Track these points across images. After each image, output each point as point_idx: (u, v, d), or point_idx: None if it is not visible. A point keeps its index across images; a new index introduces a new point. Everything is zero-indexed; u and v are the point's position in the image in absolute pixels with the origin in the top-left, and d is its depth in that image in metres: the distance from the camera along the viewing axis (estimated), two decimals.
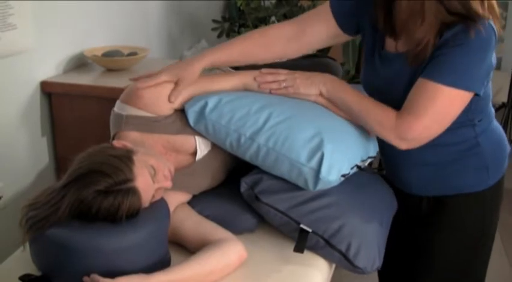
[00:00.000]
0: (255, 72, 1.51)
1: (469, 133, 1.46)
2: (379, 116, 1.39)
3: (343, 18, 1.52)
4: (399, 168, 1.58)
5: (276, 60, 1.59)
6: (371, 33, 1.50)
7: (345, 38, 1.58)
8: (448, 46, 1.31)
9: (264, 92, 1.49)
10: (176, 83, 1.43)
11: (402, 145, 1.38)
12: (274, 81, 1.48)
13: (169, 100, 1.41)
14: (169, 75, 1.43)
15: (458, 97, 1.34)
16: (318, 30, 1.54)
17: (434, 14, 1.30)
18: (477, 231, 1.55)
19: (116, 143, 1.32)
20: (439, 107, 1.33)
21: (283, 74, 1.49)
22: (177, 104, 1.43)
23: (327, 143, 1.35)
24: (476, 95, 1.35)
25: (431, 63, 1.34)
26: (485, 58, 1.32)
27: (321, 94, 1.47)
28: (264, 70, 1.51)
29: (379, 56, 1.49)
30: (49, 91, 2.18)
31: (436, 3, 1.29)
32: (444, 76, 1.32)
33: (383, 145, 1.50)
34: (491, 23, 1.33)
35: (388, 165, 1.63)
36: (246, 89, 1.50)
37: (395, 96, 1.41)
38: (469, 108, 1.38)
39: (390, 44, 1.45)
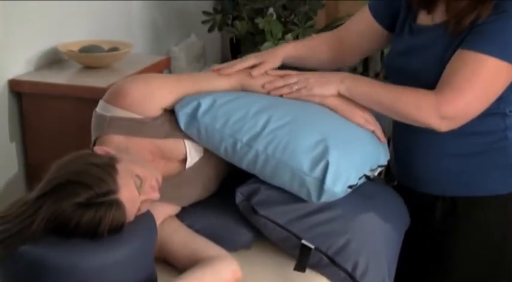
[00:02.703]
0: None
1: (499, 124, 1.50)
2: (415, 98, 1.42)
3: (380, 11, 1.63)
4: (415, 160, 1.60)
5: (336, 67, 1.73)
6: (404, 12, 1.56)
7: (385, 36, 1.66)
8: (493, 13, 1.35)
9: (262, 93, 1.51)
10: (260, 64, 1.54)
11: (443, 126, 1.42)
12: (284, 86, 1.51)
13: (251, 73, 1.50)
14: (253, 59, 1.53)
15: (504, 70, 1.37)
16: (357, 27, 1.67)
17: None
18: (498, 240, 1.57)
19: (98, 149, 1.34)
20: (483, 80, 1.37)
21: (294, 76, 1.52)
22: (175, 101, 1.46)
23: (332, 150, 1.36)
24: None
25: (473, 33, 1.38)
26: None
27: (338, 94, 1.50)
28: (271, 72, 1.54)
29: (409, 29, 1.53)
30: (18, 90, 2.18)
31: None
32: (489, 46, 1.35)
33: (397, 134, 1.53)
34: None
35: (402, 158, 1.66)
36: (243, 89, 1.53)
37: (422, 74, 1.45)
38: (502, 95, 1.41)
39: (424, 17, 1.50)
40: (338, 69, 1.68)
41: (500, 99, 1.43)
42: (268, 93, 1.51)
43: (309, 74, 1.53)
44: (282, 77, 1.53)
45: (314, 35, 1.83)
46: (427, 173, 1.59)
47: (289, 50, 1.65)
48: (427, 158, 1.58)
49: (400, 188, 1.66)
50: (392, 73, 1.61)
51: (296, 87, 1.50)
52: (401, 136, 1.50)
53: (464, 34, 1.40)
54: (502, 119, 1.50)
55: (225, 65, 1.56)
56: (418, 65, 1.49)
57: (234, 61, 1.57)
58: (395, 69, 1.58)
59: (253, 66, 1.54)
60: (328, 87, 1.50)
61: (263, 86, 1.51)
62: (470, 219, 1.57)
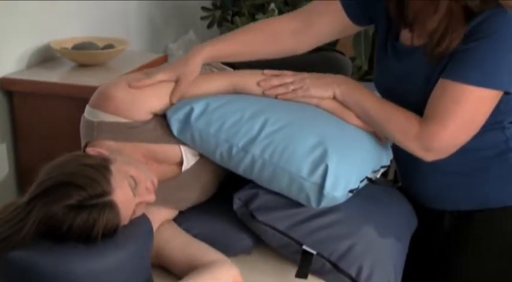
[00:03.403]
0: (247, 72, 1.54)
1: (499, 137, 1.49)
2: (401, 123, 1.42)
3: (354, 8, 1.57)
4: (417, 177, 1.61)
5: (283, 56, 1.63)
6: (384, 23, 1.54)
7: (355, 29, 1.63)
8: (471, 39, 1.34)
9: (257, 95, 1.51)
10: (177, 82, 1.46)
11: (428, 156, 1.42)
12: (280, 85, 1.51)
13: (171, 101, 1.45)
14: (168, 73, 1.46)
15: (487, 97, 1.37)
16: (326, 21, 1.59)
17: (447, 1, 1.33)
18: (509, 252, 1.57)
19: (91, 150, 1.34)
20: (466, 111, 1.36)
21: (289, 76, 1.52)
22: (167, 106, 1.45)
23: (331, 153, 1.37)
24: (506, 93, 1.38)
25: (453, 60, 1.37)
26: None
27: (334, 97, 1.50)
28: (267, 71, 1.53)
29: (392, 48, 1.52)
30: (9, 89, 2.19)
31: None
32: (468, 75, 1.35)
33: (398, 151, 1.53)
34: None
35: (404, 174, 1.66)
36: (236, 91, 1.52)
37: (410, 97, 1.45)
38: (497, 108, 1.41)
39: (406, 36, 1.49)
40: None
41: (497, 112, 1.42)
42: (263, 93, 1.51)
43: (305, 74, 1.52)
44: (277, 76, 1.52)
45: (251, 26, 1.65)
46: (430, 189, 1.60)
47: (207, 53, 1.51)
48: (427, 176, 1.58)
49: (406, 197, 1.66)
50: (382, 92, 1.60)
51: (292, 87, 1.50)
52: (401, 152, 1.49)
53: (446, 61, 1.38)
54: (501, 132, 1.49)
55: (140, 73, 1.50)
56: (406, 91, 1.48)
57: (151, 70, 1.50)
58: (384, 89, 1.57)
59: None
60: (325, 89, 1.50)
61: (258, 84, 1.51)
62: (480, 230, 1.57)
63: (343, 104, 1.49)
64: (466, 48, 1.35)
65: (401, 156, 1.57)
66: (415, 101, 1.43)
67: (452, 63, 1.37)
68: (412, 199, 1.64)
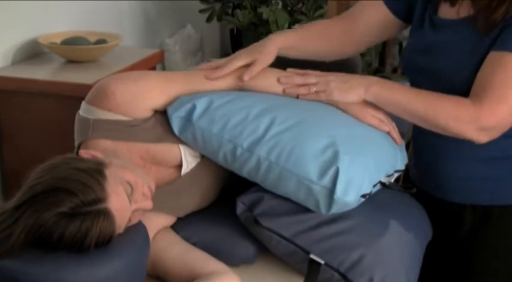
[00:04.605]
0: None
1: None
2: (452, 109, 1.43)
3: (397, 4, 1.63)
4: (440, 165, 1.62)
5: (333, 56, 1.72)
6: (422, 3, 1.58)
7: (399, 26, 1.68)
8: None
9: (266, 92, 1.52)
10: (251, 64, 1.52)
11: (483, 137, 1.43)
12: (302, 84, 1.52)
13: (244, 77, 1.50)
14: (244, 57, 1.53)
15: None
16: (369, 17, 1.67)
17: None
18: None
19: (84, 153, 1.34)
20: None
21: (313, 76, 1.53)
22: (167, 103, 1.47)
23: (342, 155, 1.37)
24: None
25: (506, 31, 1.39)
26: None
27: (364, 101, 1.51)
28: (290, 70, 1.55)
29: (430, 23, 1.54)
30: None
31: None
32: None
33: (422, 139, 1.53)
34: None
35: (425, 163, 1.67)
36: (242, 89, 1.53)
37: (453, 75, 1.46)
38: None
39: (447, 10, 1.51)
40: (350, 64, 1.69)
41: None
42: (283, 91, 1.52)
43: (330, 76, 1.53)
44: (300, 75, 1.54)
45: (310, 23, 1.83)
46: (455, 179, 1.61)
47: (281, 41, 1.63)
48: (454, 163, 1.59)
49: (421, 195, 1.67)
50: (412, 72, 1.61)
51: (315, 88, 1.51)
52: (424, 139, 1.50)
53: (497, 32, 1.41)
54: None
55: (211, 64, 1.56)
56: (444, 65, 1.50)
57: (221, 61, 1.56)
58: (415, 68, 1.59)
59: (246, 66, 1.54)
60: (351, 94, 1.51)
61: (278, 80, 1.53)
62: (504, 230, 1.57)
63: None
64: None
65: (426, 144, 1.59)
66: (455, 79, 1.45)
67: (507, 34, 1.39)
68: (430, 195, 1.65)
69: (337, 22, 1.73)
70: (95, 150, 1.39)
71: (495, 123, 1.41)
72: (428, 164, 1.67)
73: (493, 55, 1.41)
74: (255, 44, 1.61)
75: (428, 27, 1.56)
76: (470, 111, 1.41)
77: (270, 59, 1.56)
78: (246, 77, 1.51)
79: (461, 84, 1.45)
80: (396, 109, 1.49)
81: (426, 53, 1.56)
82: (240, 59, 1.53)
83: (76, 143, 1.47)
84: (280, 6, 3.12)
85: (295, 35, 1.68)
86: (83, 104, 1.46)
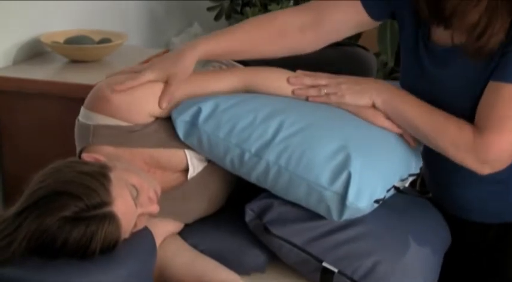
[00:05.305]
0: (260, 69, 1.54)
1: None
2: (453, 135, 1.42)
3: (373, 1, 1.56)
4: (454, 186, 1.61)
5: (289, 54, 1.61)
6: (411, 18, 1.53)
7: (372, 25, 1.62)
8: None
9: (273, 94, 1.51)
10: (166, 82, 1.46)
11: (484, 169, 1.42)
12: (312, 86, 1.51)
13: (159, 105, 1.45)
14: (156, 72, 1.45)
15: None
16: (339, 18, 1.58)
17: None
18: None
19: (87, 156, 1.35)
20: None
21: (324, 78, 1.53)
22: (167, 109, 1.46)
23: (354, 159, 1.37)
24: None
25: (504, 61, 1.37)
26: None
27: (373, 105, 1.50)
28: (300, 72, 1.54)
29: (425, 50, 1.52)
30: None
31: None
32: None
33: (431, 157, 1.53)
34: None
35: (438, 183, 1.66)
36: (248, 90, 1.53)
37: (457, 104, 1.44)
38: None
39: (439, 35, 1.48)
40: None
41: None
42: (292, 92, 1.51)
43: (341, 79, 1.53)
44: (310, 77, 1.52)
45: (253, 19, 1.63)
46: (470, 201, 1.60)
47: (206, 51, 1.49)
48: (467, 185, 1.58)
49: (439, 208, 1.67)
50: (411, 92, 1.58)
51: (325, 90, 1.51)
52: (434, 156, 1.49)
53: (495, 63, 1.39)
54: None
55: (115, 76, 1.49)
56: (444, 94, 1.48)
57: (136, 67, 1.50)
58: (413, 91, 1.54)
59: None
60: (363, 96, 1.50)
61: (288, 80, 1.52)
62: None
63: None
64: None
65: (435, 162, 1.58)
66: (456, 109, 1.43)
67: (504, 64, 1.37)
68: (445, 211, 1.65)
69: (297, 17, 1.58)
70: (98, 154, 1.39)
71: (494, 155, 1.40)
72: (439, 181, 1.66)
73: (492, 85, 1.39)
74: (172, 53, 1.51)
75: (423, 51, 1.52)
76: (469, 141, 1.40)
77: (187, 72, 1.47)
78: (163, 104, 1.44)
79: (462, 111, 1.44)
80: (401, 120, 1.48)
81: (423, 79, 1.53)
82: (152, 73, 1.44)
83: (77, 150, 1.47)
84: (291, 3, 3.12)
85: (227, 39, 1.53)
86: (82, 109, 1.47)
